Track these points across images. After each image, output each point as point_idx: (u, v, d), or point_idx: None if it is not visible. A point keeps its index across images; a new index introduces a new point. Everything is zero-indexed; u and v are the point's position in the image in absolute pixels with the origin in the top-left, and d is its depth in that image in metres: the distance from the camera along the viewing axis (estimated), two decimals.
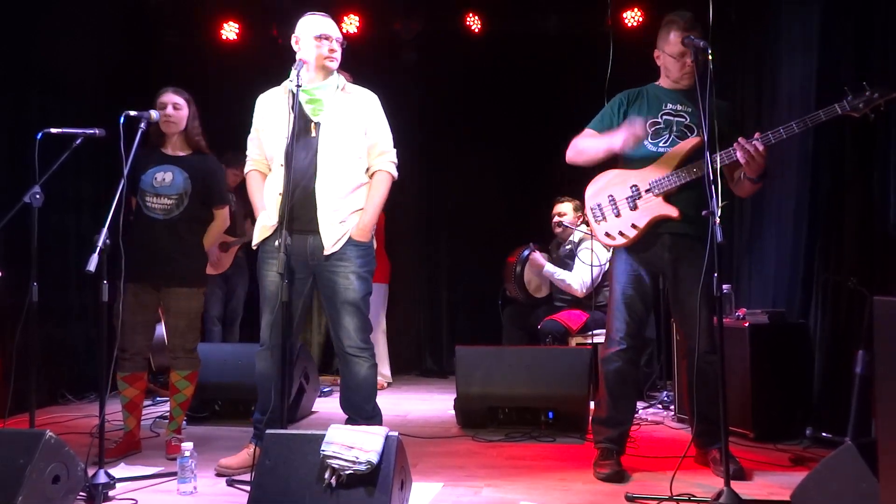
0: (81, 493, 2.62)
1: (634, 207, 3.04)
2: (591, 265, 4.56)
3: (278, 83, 3.13)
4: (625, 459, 3.10)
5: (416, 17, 5.77)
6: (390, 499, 2.30)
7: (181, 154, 3.51)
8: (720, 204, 2.66)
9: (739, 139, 2.87)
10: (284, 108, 2.98)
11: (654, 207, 3.01)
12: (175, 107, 3.44)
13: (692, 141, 3.01)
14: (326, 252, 3.00)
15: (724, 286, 3.38)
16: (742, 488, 2.58)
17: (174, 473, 2.85)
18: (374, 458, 2.33)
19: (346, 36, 3.12)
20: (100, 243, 2.72)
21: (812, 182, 3.81)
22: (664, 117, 3.07)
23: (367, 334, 3.09)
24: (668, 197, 3.00)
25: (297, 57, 2.93)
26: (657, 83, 3.17)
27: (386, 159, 3.15)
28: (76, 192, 4.94)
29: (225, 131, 5.15)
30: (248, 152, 3.21)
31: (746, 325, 3.62)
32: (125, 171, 2.92)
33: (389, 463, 2.35)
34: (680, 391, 4.03)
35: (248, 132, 3.23)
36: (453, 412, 4.10)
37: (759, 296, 4.34)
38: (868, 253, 3.39)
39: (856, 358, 3.11)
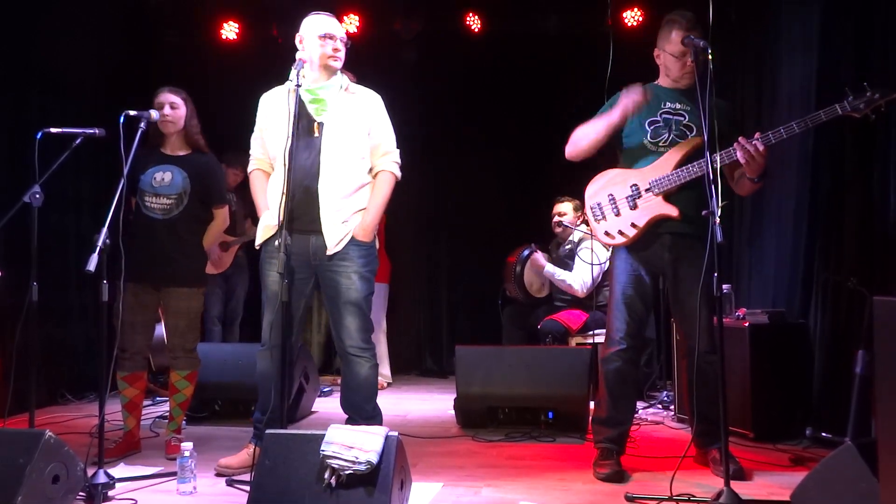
0: (81, 493, 2.61)
1: (634, 207, 3.04)
2: (592, 265, 4.56)
3: (278, 83, 3.12)
4: (625, 459, 3.10)
5: (416, 16, 5.78)
6: (390, 499, 2.30)
7: (180, 154, 3.51)
8: (720, 204, 2.66)
9: (740, 139, 2.87)
10: (290, 107, 2.98)
11: (654, 207, 3.01)
12: (172, 106, 3.44)
13: (692, 141, 3.01)
14: (329, 252, 3.00)
15: (724, 286, 3.39)
16: (742, 488, 2.58)
17: (174, 473, 2.85)
18: (374, 458, 2.33)
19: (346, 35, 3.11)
20: (100, 243, 2.72)
21: (812, 182, 3.81)
22: (663, 116, 3.07)
23: (369, 334, 3.09)
24: (668, 196, 3.00)
25: (297, 57, 2.93)
26: (656, 82, 3.17)
27: (389, 159, 3.15)
28: (76, 191, 4.94)
29: (225, 131, 5.15)
30: (251, 151, 3.21)
31: (746, 325, 3.62)
32: (125, 171, 2.92)
33: (389, 463, 2.35)
34: (680, 391, 4.03)
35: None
36: (453, 412, 4.10)
37: (759, 296, 4.34)
38: (868, 253, 3.39)
39: (856, 358, 3.11)
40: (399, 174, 3.17)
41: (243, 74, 5.71)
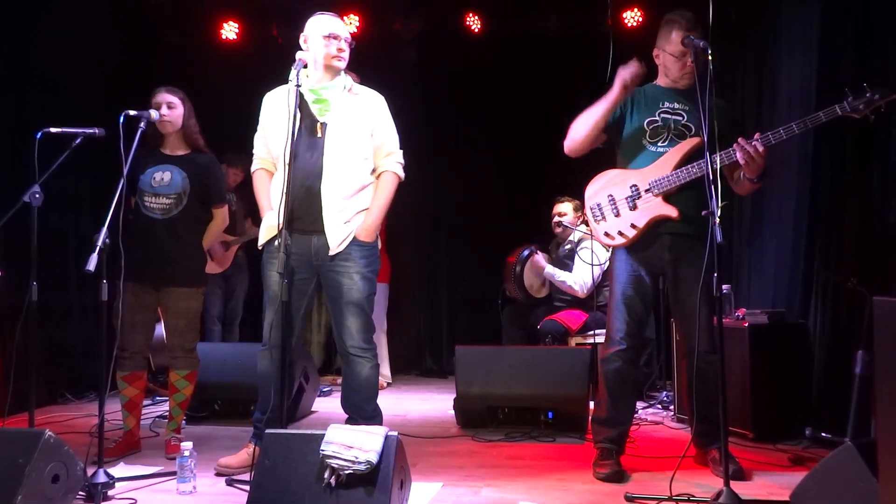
0: (81, 493, 2.62)
1: (634, 207, 3.04)
2: (592, 266, 4.56)
3: (278, 83, 3.12)
4: (624, 459, 3.10)
5: (416, 16, 5.78)
6: (390, 498, 2.30)
7: (179, 153, 3.51)
8: (720, 204, 2.66)
9: (739, 140, 2.87)
10: (292, 106, 2.98)
11: (654, 207, 3.01)
12: (169, 106, 3.43)
13: (692, 141, 3.01)
14: (331, 252, 3.00)
15: (724, 286, 3.39)
16: (741, 488, 2.58)
17: (174, 473, 2.85)
18: (374, 458, 2.33)
19: None
20: (99, 243, 2.72)
21: (812, 182, 3.81)
22: (662, 116, 3.07)
23: (370, 335, 3.09)
24: (668, 197, 3.00)
25: (297, 56, 2.93)
26: (655, 82, 3.17)
27: (392, 160, 3.15)
28: (76, 191, 4.94)
29: (225, 131, 5.16)
30: (254, 151, 3.20)
31: (746, 325, 3.62)
32: (125, 171, 2.92)
33: (389, 463, 2.35)
34: (679, 391, 4.03)
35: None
36: (453, 412, 4.10)
37: (758, 296, 4.34)
38: (868, 253, 3.39)
39: (855, 358, 3.11)
40: (402, 175, 3.17)
41: (243, 74, 5.71)
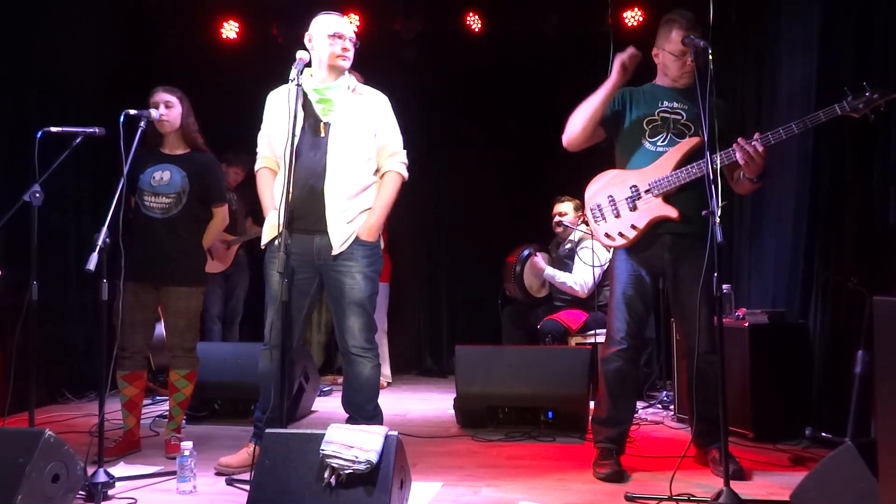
0: (81, 492, 2.62)
1: (634, 208, 3.04)
2: (593, 266, 4.56)
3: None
4: (624, 459, 3.10)
5: (416, 16, 5.77)
6: (390, 498, 2.30)
7: (179, 153, 3.51)
8: (720, 204, 2.66)
9: (739, 140, 2.87)
10: (289, 106, 2.98)
11: (654, 208, 3.01)
12: (167, 105, 3.43)
13: (692, 141, 3.01)
14: (334, 252, 3.00)
15: (724, 286, 3.38)
16: (741, 488, 2.58)
17: (174, 472, 2.85)
18: (374, 458, 2.33)
19: None
20: (99, 242, 2.72)
21: (812, 182, 3.81)
22: (661, 115, 3.07)
23: (372, 334, 3.09)
24: (668, 197, 3.00)
25: (297, 56, 2.93)
26: (654, 82, 3.17)
27: (396, 160, 3.15)
28: (76, 191, 4.94)
29: (225, 130, 5.16)
30: (258, 150, 3.20)
31: (746, 325, 3.62)
32: (125, 170, 2.92)
33: (389, 462, 2.35)
34: (679, 391, 4.03)
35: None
36: (453, 412, 4.10)
37: (758, 296, 4.34)
38: (868, 253, 3.39)
39: (855, 358, 3.11)
40: (406, 175, 3.17)
41: (243, 74, 5.71)
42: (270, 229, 3.06)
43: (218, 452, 3.19)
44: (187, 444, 2.82)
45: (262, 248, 3.11)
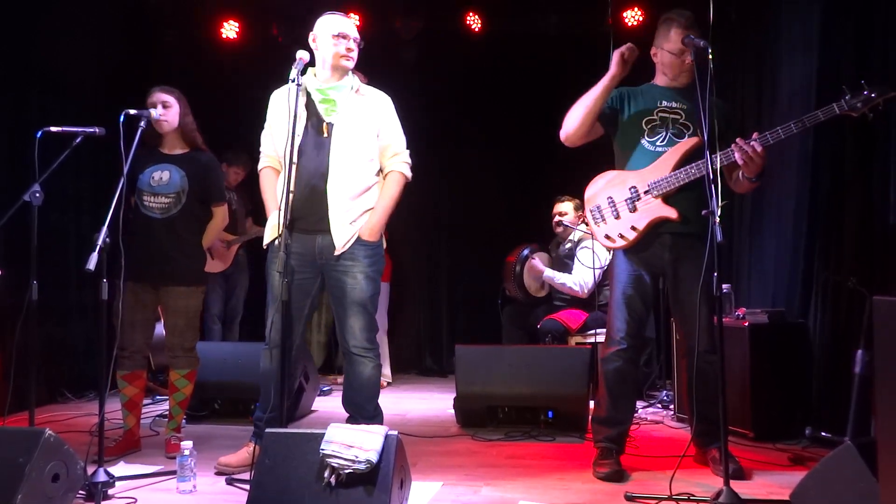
0: (81, 492, 2.61)
1: (633, 209, 3.04)
2: (594, 268, 4.56)
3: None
4: (624, 459, 3.10)
5: (417, 16, 5.78)
6: (390, 498, 2.30)
7: (178, 152, 3.51)
8: (720, 203, 2.66)
9: (737, 140, 2.87)
10: (299, 105, 2.98)
11: (654, 209, 3.00)
12: (164, 105, 3.43)
13: (690, 141, 3.01)
14: (337, 252, 3.00)
15: (724, 286, 3.39)
16: (741, 488, 2.58)
17: (174, 472, 2.85)
18: (374, 457, 2.33)
19: None
20: (99, 242, 2.72)
21: (812, 182, 3.81)
22: (659, 114, 3.07)
23: (373, 334, 3.09)
24: (667, 198, 3.00)
25: (297, 55, 2.93)
26: (652, 82, 3.17)
27: (399, 160, 3.15)
28: (76, 190, 4.94)
29: (225, 130, 5.16)
30: (261, 149, 3.20)
31: (746, 324, 3.62)
32: (125, 170, 2.92)
33: (389, 462, 2.35)
34: (679, 391, 4.03)
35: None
36: (453, 411, 4.10)
37: (758, 295, 4.34)
38: (868, 253, 3.39)
39: (855, 358, 3.11)
40: (409, 175, 3.17)
41: (243, 74, 5.72)
42: (272, 229, 3.05)
43: (218, 452, 3.19)
44: (187, 444, 2.82)
45: (265, 247, 3.11)
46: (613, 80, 3.02)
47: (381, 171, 3.15)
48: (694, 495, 2.59)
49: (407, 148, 3.19)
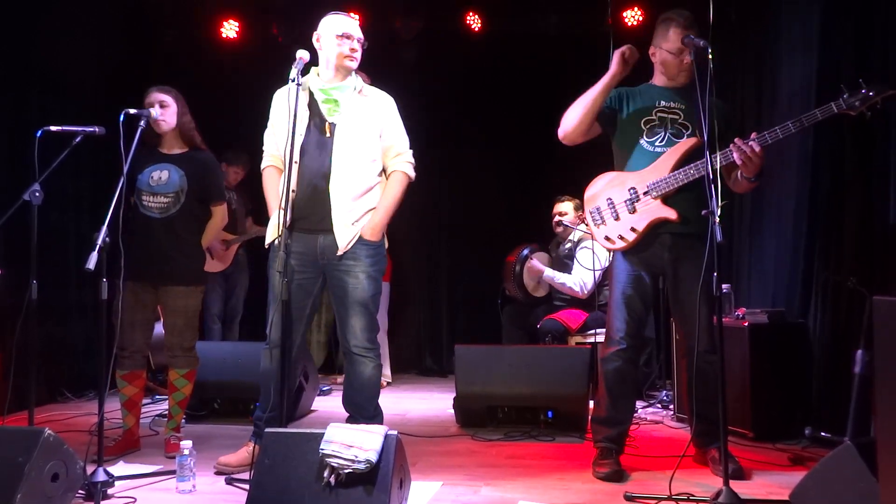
0: (80, 491, 2.61)
1: (633, 210, 3.04)
2: (594, 270, 4.56)
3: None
4: (624, 459, 3.09)
5: (417, 15, 5.77)
6: (389, 498, 2.30)
7: (177, 152, 3.51)
8: (720, 203, 2.65)
9: (736, 140, 2.87)
10: (301, 104, 2.99)
11: (653, 210, 3.00)
12: (162, 105, 3.42)
13: (689, 142, 3.00)
14: (340, 252, 3.00)
15: (724, 286, 3.38)
16: (741, 488, 2.58)
17: (173, 472, 2.85)
18: (374, 457, 2.33)
19: None
20: (99, 241, 2.72)
21: (812, 182, 3.81)
22: (658, 114, 3.07)
23: (374, 334, 3.09)
24: (667, 199, 2.99)
25: (297, 55, 2.93)
26: (650, 82, 3.17)
27: (402, 160, 3.15)
28: (76, 190, 4.94)
29: (225, 129, 5.16)
30: (264, 147, 3.19)
31: (746, 324, 3.62)
32: (125, 169, 2.92)
33: (388, 462, 2.35)
34: (679, 391, 4.03)
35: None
36: (453, 411, 4.10)
37: (758, 295, 4.34)
38: (868, 253, 3.39)
39: (855, 358, 3.11)
40: (413, 174, 3.17)
41: (243, 73, 5.73)
42: (274, 228, 3.05)
43: (217, 452, 3.19)
44: (187, 444, 2.82)
45: (266, 247, 3.11)
46: (613, 80, 3.01)
47: (383, 171, 3.15)
48: (693, 495, 2.59)
49: (410, 148, 3.19)
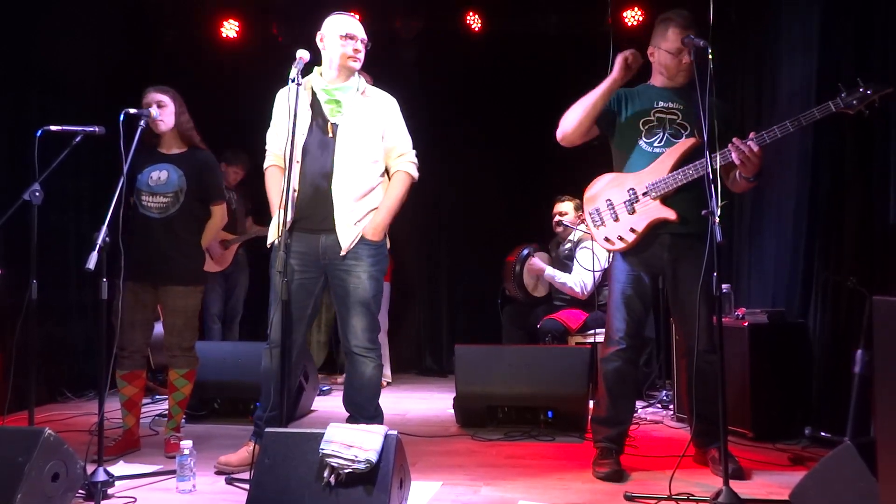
0: (80, 491, 2.62)
1: (632, 211, 3.04)
2: (594, 271, 4.56)
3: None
4: (624, 459, 3.10)
5: (417, 16, 5.77)
6: (389, 497, 2.30)
7: (176, 152, 3.51)
8: (720, 203, 2.65)
9: (734, 140, 2.86)
10: (304, 104, 2.99)
11: (652, 211, 3.00)
12: (159, 105, 3.42)
13: (688, 142, 3.00)
14: (342, 252, 3.00)
15: (724, 286, 3.38)
16: (741, 488, 2.58)
17: (173, 471, 2.86)
18: (374, 457, 2.33)
19: None
20: (99, 241, 2.72)
21: (812, 182, 3.81)
22: (656, 115, 3.07)
23: (375, 334, 3.09)
24: (666, 199, 2.99)
25: (298, 55, 2.93)
26: (649, 82, 3.17)
27: (405, 160, 3.15)
28: (76, 190, 4.94)
29: (225, 129, 5.16)
30: (267, 147, 3.19)
31: (746, 324, 3.62)
32: (125, 169, 2.92)
33: (388, 462, 2.35)
34: (679, 390, 4.03)
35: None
36: (452, 411, 4.10)
37: (758, 295, 4.33)
38: (868, 253, 3.39)
39: (855, 358, 3.11)
40: (416, 175, 3.17)
41: (243, 73, 5.72)
42: (276, 228, 3.05)
43: (217, 451, 3.19)
44: (187, 443, 2.82)
45: (268, 247, 3.11)
46: (615, 84, 3.01)
47: (385, 171, 3.15)
48: (693, 495, 2.59)
49: (413, 149, 3.19)
